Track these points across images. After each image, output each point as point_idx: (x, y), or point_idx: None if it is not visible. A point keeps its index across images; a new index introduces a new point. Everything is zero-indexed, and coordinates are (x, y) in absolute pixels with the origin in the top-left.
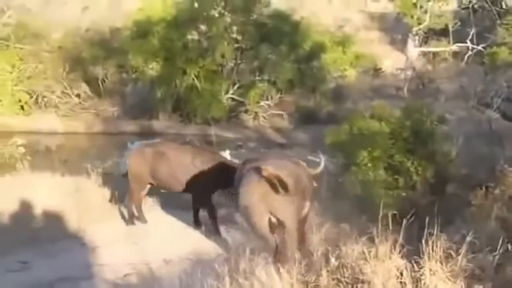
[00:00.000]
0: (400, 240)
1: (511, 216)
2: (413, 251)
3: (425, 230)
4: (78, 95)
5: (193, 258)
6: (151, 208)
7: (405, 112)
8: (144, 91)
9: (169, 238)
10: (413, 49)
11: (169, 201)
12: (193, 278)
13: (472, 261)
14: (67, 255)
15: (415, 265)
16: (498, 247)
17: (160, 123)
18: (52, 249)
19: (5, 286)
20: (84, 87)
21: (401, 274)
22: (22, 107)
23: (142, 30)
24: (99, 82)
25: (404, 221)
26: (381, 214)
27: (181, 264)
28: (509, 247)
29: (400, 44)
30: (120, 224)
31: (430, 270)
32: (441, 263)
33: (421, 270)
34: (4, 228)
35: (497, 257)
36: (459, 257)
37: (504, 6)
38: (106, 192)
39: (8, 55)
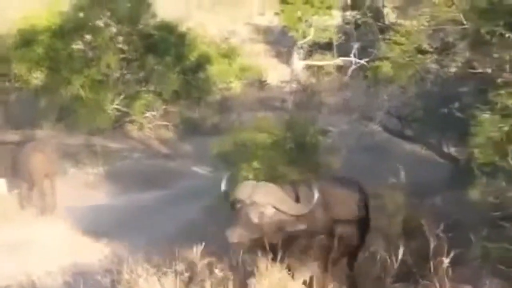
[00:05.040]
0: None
1: (393, 228)
2: None
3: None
4: None
5: (75, 270)
6: (32, 217)
7: (288, 124)
8: (28, 100)
9: (50, 248)
10: (298, 62)
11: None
12: None
13: None
14: None
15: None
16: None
17: (43, 133)
18: None
19: None
20: None
21: None
22: None
23: (26, 39)
24: None
25: None
26: None
27: (63, 275)
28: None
29: (285, 57)
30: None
31: None
32: None
33: None
34: None
35: None
36: None
37: (386, 22)
38: None
39: None
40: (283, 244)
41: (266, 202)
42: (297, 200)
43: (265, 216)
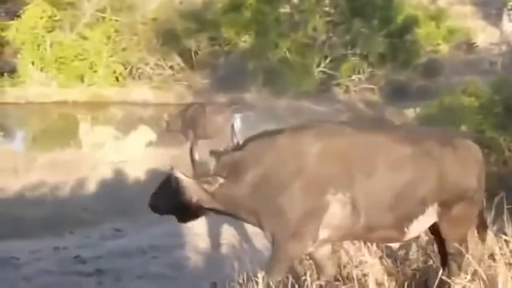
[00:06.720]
0: (490, 219)
1: None
2: (499, 231)
3: None
4: (171, 67)
5: None
6: None
7: (496, 87)
8: (235, 63)
9: None
10: (508, 24)
11: None
12: None
13: None
14: (160, 224)
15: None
16: None
17: (251, 96)
18: (146, 218)
19: (100, 252)
20: (177, 59)
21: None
22: (117, 78)
23: (235, 3)
24: (192, 54)
25: (495, 199)
26: None
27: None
28: None
29: (494, 18)
30: None
31: None
32: None
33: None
34: (100, 197)
35: None
36: None
37: None
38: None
39: (104, 27)
40: None
41: None
42: None
43: None
